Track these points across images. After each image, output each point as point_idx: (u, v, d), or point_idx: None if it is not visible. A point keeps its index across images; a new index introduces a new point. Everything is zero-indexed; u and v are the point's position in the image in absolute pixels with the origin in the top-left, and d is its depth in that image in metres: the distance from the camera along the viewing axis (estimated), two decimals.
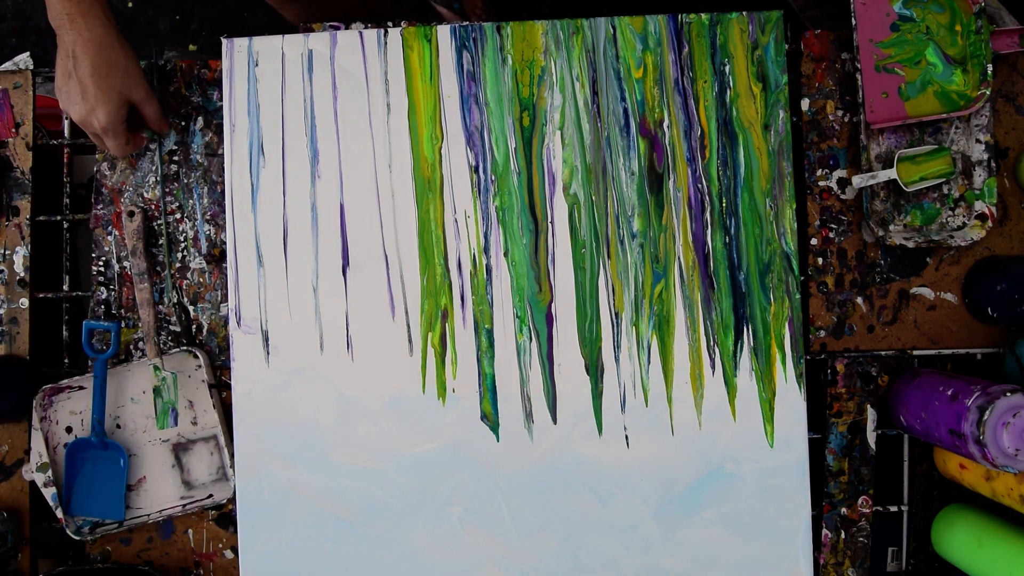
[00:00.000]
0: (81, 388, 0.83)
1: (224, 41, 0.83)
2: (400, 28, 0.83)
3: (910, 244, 0.81)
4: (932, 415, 0.74)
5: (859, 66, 0.79)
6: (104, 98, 0.75)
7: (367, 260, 0.81)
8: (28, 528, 0.83)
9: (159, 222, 0.84)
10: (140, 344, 0.84)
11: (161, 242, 0.83)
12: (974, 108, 0.77)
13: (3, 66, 0.86)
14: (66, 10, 0.73)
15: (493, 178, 0.82)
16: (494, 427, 0.81)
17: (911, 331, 0.83)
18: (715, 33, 0.82)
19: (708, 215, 0.81)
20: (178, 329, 0.84)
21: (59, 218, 0.86)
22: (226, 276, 0.83)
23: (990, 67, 0.77)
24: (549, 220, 0.81)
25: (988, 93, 0.77)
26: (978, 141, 0.80)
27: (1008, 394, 0.68)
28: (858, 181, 0.79)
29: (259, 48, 0.82)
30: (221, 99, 0.84)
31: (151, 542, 0.84)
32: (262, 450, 0.81)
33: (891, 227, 0.80)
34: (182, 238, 0.85)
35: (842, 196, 0.83)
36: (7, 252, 0.84)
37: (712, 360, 0.81)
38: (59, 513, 0.80)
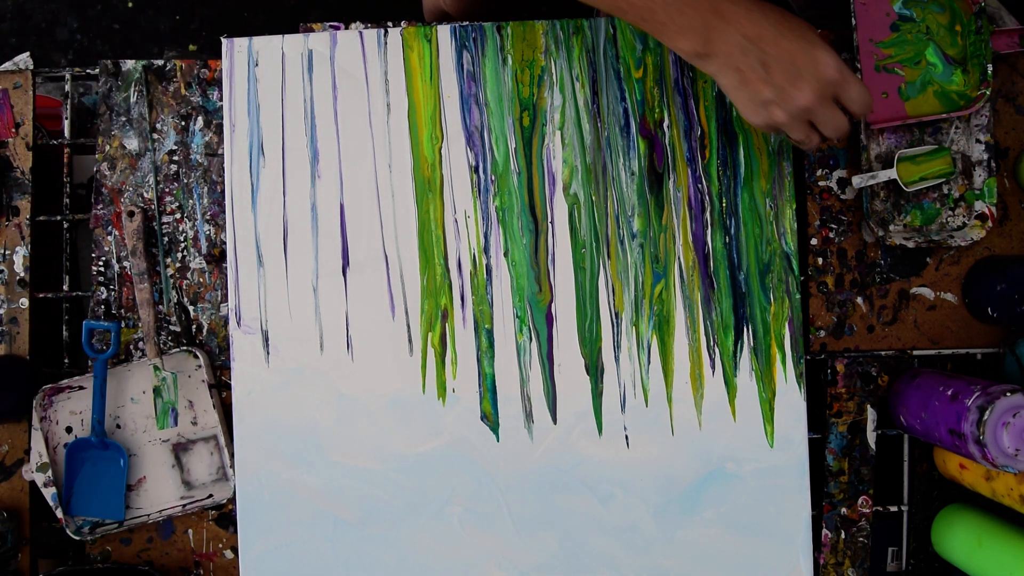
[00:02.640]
0: (81, 388, 0.83)
1: (224, 41, 0.83)
2: (400, 28, 0.83)
3: (910, 244, 0.81)
4: (932, 415, 0.74)
5: (859, 66, 0.79)
6: (811, 42, 0.61)
7: (367, 260, 0.81)
8: (28, 528, 0.83)
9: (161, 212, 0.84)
10: (140, 344, 0.84)
11: (159, 229, 0.82)
12: (974, 108, 0.77)
13: (3, 66, 0.86)
14: (711, 7, 0.61)
15: (493, 178, 0.82)
16: (494, 427, 0.81)
17: (911, 331, 0.83)
18: None
19: (708, 215, 0.81)
20: (178, 329, 0.84)
21: (59, 218, 0.86)
22: (226, 276, 0.83)
23: (990, 67, 0.77)
24: (549, 220, 0.81)
25: (988, 93, 0.77)
26: (978, 141, 0.80)
27: (1008, 394, 0.68)
28: (858, 181, 0.79)
29: (259, 48, 0.82)
30: (221, 99, 0.84)
31: (151, 542, 0.84)
32: (262, 450, 0.81)
33: (891, 227, 0.80)
34: (182, 238, 0.85)
35: (842, 196, 0.83)
36: (7, 252, 0.84)
37: (712, 360, 0.81)
38: (59, 513, 0.80)
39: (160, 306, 0.84)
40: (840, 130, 0.66)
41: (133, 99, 0.85)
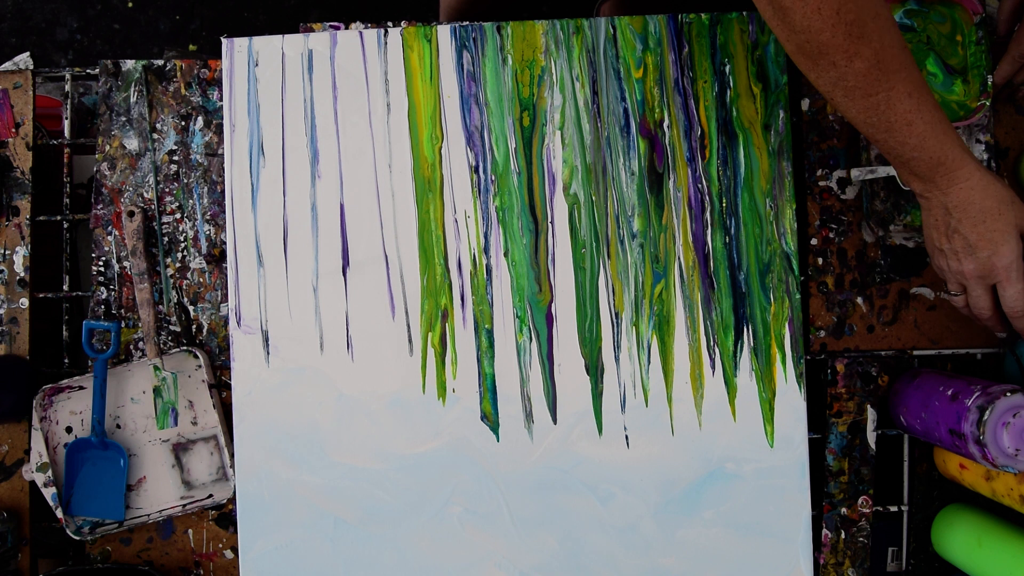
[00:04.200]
0: (81, 388, 0.83)
1: (224, 41, 0.83)
2: (400, 28, 0.83)
3: (910, 244, 0.81)
4: (932, 415, 0.74)
5: None
6: (1002, 237, 0.67)
7: (367, 260, 0.81)
8: (28, 528, 0.83)
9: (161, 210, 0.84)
10: (140, 344, 0.84)
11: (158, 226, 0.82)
12: (974, 119, 0.77)
13: (3, 66, 0.86)
14: (939, 171, 0.66)
15: (493, 178, 0.82)
16: (494, 427, 0.81)
17: (911, 331, 0.83)
18: (715, 33, 0.82)
19: (708, 215, 0.81)
20: (178, 329, 0.84)
21: (59, 218, 0.86)
22: (226, 276, 0.83)
23: (990, 77, 0.77)
24: (549, 220, 0.81)
25: (988, 104, 0.77)
26: (978, 141, 0.80)
27: (1008, 394, 0.68)
28: (856, 175, 0.78)
29: (259, 48, 0.82)
30: (221, 99, 0.84)
31: (151, 542, 0.84)
32: (262, 450, 0.81)
33: (891, 227, 0.80)
34: (182, 238, 0.85)
35: (842, 196, 0.83)
36: (7, 252, 0.84)
37: (712, 360, 0.81)
38: (59, 513, 0.80)
39: (160, 306, 0.84)
40: (979, 312, 0.72)
41: (133, 99, 0.85)
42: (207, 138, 0.85)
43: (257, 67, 0.82)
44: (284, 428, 0.81)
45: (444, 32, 0.82)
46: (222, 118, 0.84)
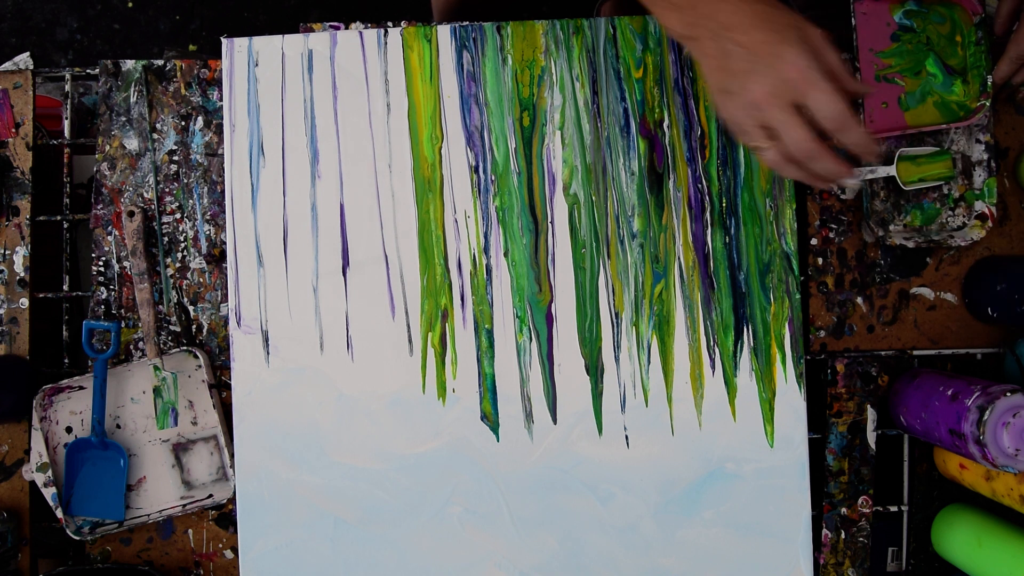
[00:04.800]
0: (81, 388, 0.83)
1: (224, 41, 0.83)
2: (400, 28, 0.83)
3: (910, 244, 0.81)
4: (932, 415, 0.74)
5: (859, 76, 0.79)
6: (780, 37, 0.57)
7: (367, 260, 0.81)
8: (28, 528, 0.83)
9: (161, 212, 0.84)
10: (140, 344, 0.84)
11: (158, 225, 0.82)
12: (973, 119, 0.77)
13: (3, 66, 0.86)
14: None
15: (493, 178, 0.82)
16: (494, 427, 0.81)
17: (911, 331, 0.83)
18: None
19: (708, 215, 0.81)
20: (178, 329, 0.84)
21: (59, 218, 0.86)
22: (226, 276, 0.83)
23: (990, 78, 0.77)
24: (549, 220, 0.81)
25: (988, 104, 0.77)
26: (978, 141, 0.80)
27: (1008, 394, 0.68)
28: (856, 174, 0.79)
29: (259, 48, 0.82)
30: (221, 99, 0.84)
31: (151, 542, 0.84)
32: (262, 450, 0.81)
33: (891, 227, 0.80)
34: (182, 238, 0.85)
35: (842, 196, 0.83)
36: (7, 252, 0.84)
37: (712, 360, 0.81)
38: (59, 513, 0.80)
39: (160, 306, 0.84)
40: (800, 148, 0.59)
41: (133, 99, 0.85)
42: (207, 138, 0.85)
43: (257, 67, 0.82)
44: (284, 428, 0.81)
45: (444, 32, 0.82)
46: (222, 118, 0.84)
